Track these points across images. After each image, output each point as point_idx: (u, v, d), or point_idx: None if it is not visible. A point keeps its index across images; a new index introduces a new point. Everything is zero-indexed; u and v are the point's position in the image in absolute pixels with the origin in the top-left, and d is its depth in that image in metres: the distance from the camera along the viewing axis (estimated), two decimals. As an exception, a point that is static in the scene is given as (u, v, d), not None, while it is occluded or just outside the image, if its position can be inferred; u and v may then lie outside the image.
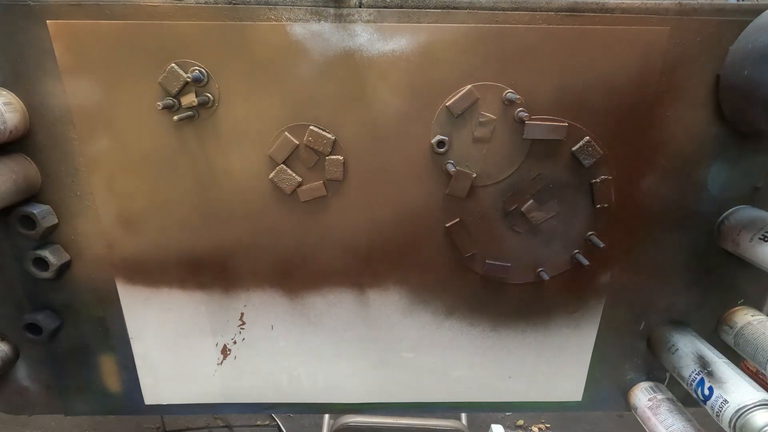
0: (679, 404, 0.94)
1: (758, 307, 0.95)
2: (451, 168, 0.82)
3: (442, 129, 0.81)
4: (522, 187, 0.85)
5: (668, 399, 0.95)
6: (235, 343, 0.97)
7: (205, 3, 0.74)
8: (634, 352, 1.00)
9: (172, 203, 0.85)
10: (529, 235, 0.89)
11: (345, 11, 0.75)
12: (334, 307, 0.94)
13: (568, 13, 0.76)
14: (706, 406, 0.84)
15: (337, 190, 0.85)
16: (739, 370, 0.85)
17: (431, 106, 0.80)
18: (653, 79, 0.79)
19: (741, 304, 0.95)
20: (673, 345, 0.93)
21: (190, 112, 0.78)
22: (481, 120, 0.80)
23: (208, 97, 0.78)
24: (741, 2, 0.79)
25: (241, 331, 0.96)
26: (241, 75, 0.78)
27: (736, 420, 0.78)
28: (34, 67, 0.77)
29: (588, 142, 0.81)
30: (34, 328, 0.91)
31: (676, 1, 0.76)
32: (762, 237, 0.80)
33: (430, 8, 0.76)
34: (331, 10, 0.75)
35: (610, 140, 0.82)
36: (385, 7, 0.75)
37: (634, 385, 1.02)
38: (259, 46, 0.76)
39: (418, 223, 0.88)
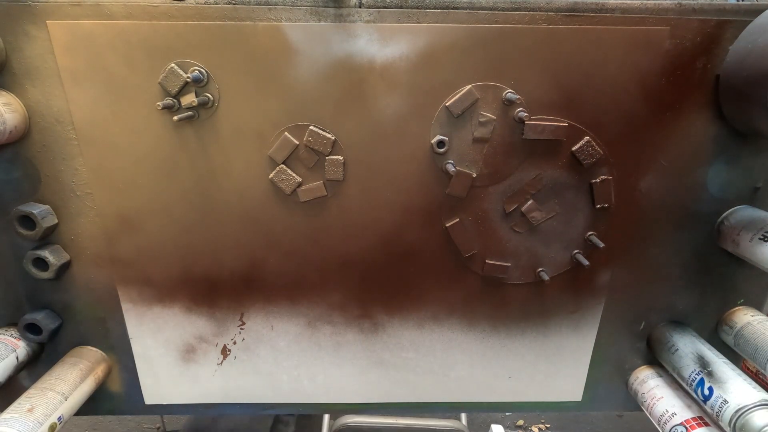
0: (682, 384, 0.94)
1: (758, 307, 0.95)
2: (451, 168, 0.82)
3: (442, 129, 0.81)
4: (522, 187, 0.85)
5: (668, 382, 0.95)
6: (235, 343, 0.97)
7: (205, 3, 0.75)
8: (634, 352, 1.00)
9: (172, 203, 0.85)
10: (529, 235, 0.89)
11: (345, 11, 0.75)
12: (334, 307, 0.94)
13: (568, 13, 0.76)
14: (706, 406, 0.84)
15: (337, 190, 0.85)
16: (739, 370, 0.85)
17: (431, 106, 0.80)
18: (653, 79, 0.79)
19: (741, 304, 0.95)
20: (673, 345, 0.93)
21: (190, 112, 0.78)
22: (481, 120, 0.80)
23: (207, 97, 0.78)
24: (741, 2, 0.79)
25: (241, 331, 0.96)
26: (241, 75, 0.78)
27: (736, 420, 0.78)
28: (34, 67, 0.77)
29: (588, 142, 0.81)
30: (34, 328, 0.91)
31: (676, 1, 0.76)
32: (762, 237, 0.80)
33: (430, 8, 0.75)
34: (331, 11, 0.75)
35: (610, 140, 0.82)
36: (385, 7, 0.75)
37: (635, 369, 1.02)
38: (258, 46, 0.76)
39: (418, 223, 0.88)
